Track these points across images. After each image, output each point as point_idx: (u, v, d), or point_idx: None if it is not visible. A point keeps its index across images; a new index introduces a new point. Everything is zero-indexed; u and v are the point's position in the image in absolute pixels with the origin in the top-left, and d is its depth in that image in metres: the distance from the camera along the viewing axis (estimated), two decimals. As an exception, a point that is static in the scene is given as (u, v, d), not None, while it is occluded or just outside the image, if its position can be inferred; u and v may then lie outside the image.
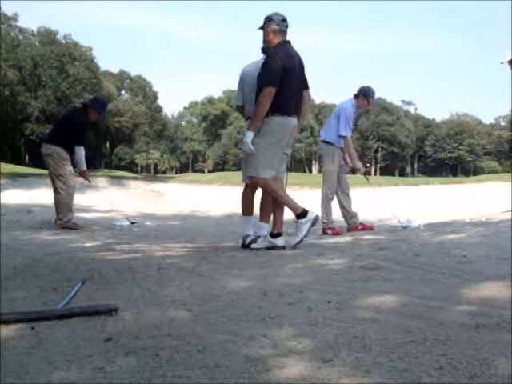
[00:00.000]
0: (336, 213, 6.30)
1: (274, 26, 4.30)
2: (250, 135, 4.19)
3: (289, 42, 4.37)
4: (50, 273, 3.21)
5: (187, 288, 2.78)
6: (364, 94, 6.16)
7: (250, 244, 4.44)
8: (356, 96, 6.19)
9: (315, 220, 4.23)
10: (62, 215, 6.45)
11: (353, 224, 6.17)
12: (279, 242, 4.35)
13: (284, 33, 4.34)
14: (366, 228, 6.16)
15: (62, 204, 6.47)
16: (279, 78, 4.14)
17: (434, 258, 3.50)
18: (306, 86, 4.47)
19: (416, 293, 2.50)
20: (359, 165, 6.36)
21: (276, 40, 4.31)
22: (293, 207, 4.27)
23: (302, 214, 4.19)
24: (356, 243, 4.63)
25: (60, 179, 6.49)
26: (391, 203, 7.39)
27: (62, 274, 3.15)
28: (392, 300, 2.38)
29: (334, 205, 6.25)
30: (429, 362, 1.60)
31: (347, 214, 6.22)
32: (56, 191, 6.54)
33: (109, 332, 1.97)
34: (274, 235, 4.39)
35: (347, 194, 6.25)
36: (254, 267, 3.46)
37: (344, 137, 6.05)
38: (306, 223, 4.17)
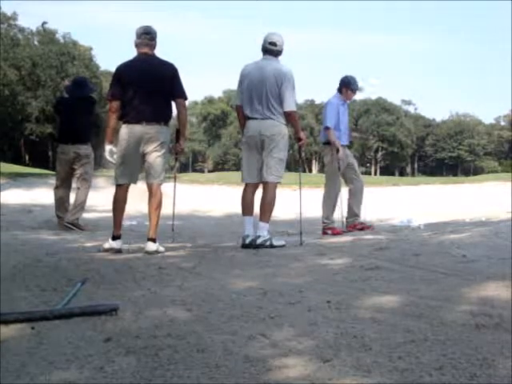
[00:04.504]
0: (336, 213, 6.29)
1: (135, 39, 4.31)
2: (105, 148, 4.39)
3: (144, 54, 4.29)
4: (50, 273, 3.21)
5: (187, 288, 2.78)
6: (345, 85, 6.13)
7: (251, 244, 4.44)
8: (339, 90, 6.16)
9: None
10: (75, 211, 6.36)
11: (351, 223, 6.16)
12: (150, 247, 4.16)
13: (144, 45, 4.28)
14: (365, 228, 6.15)
15: (79, 202, 6.40)
16: (115, 92, 4.26)
17: (434, 257, 3.50)
18: (176, 96, 4.34)
19: (416, 293, 2.50)
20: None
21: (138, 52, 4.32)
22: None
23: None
24: (356, 243, 4.62)
25: (86, 178, 6.44)
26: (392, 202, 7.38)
27: (61, 274, 3.16)
28: (392, 300, 2.38)
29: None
30: (429, 362, 1.60)
31: (349, 211, 6.20)
32: (77, 190, 6.44)
33: (109, 332, 1.97)
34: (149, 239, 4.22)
35: (354, 194, 6.20)
36: (254, 267, 3.46)
37: (327, 128, 5.97)
38: None
